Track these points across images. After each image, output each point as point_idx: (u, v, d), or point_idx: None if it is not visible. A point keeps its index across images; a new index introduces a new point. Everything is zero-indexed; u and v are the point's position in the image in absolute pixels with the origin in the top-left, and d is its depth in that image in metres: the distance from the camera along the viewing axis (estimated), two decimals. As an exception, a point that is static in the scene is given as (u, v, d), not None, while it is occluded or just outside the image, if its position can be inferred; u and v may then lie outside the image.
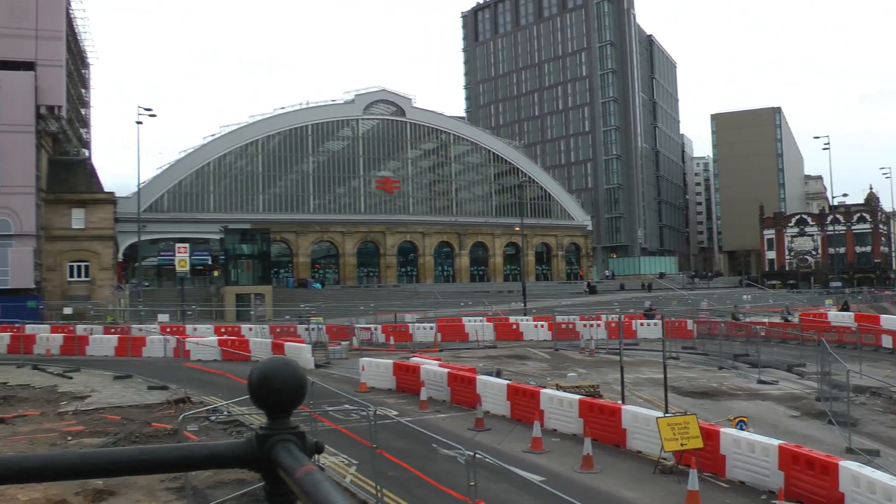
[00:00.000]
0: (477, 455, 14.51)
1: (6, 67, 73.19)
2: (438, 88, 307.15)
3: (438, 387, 30.70)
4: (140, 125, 73.48)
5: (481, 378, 29.59)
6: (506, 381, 29.19)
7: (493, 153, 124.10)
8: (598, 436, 22.36)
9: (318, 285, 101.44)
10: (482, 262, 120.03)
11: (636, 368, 38.62)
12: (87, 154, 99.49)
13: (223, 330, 57.11)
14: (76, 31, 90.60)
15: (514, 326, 58.54)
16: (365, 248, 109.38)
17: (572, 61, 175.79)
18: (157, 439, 24.57)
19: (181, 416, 18.05)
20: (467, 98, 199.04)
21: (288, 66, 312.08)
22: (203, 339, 47.63)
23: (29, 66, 73.80)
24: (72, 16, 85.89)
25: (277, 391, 2.38)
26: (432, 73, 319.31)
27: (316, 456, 2.48)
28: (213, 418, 25.05)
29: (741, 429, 21.61)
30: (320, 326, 53.15)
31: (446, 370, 31.24)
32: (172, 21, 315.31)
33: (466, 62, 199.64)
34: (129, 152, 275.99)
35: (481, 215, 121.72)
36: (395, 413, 26.69)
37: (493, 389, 28.30)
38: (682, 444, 19.20)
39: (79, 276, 79.41)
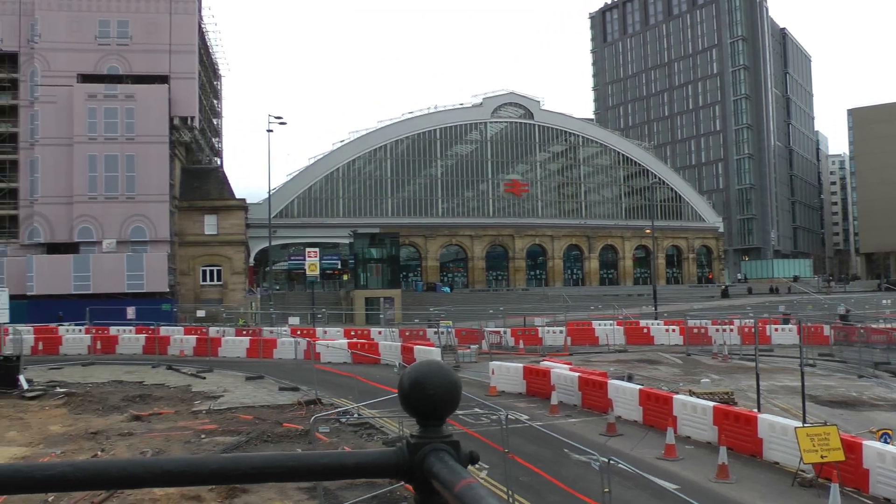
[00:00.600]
0: (611, 461, 14.40)
1: (142, 81, 76.58)
2: (566, 90, 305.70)
3: (569, 391, 30.55)
4: (271, 133, 75.46)
5: (612, 382, 29.26)
6: (637, 386, 28.83)
7: (623, 154, 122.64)
8: (732, 444, 21.85)
9: (446, 289, 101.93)
10: (611, 266, 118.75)
11: (771, 375, 37.53)
12: (218, 162, 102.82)
13: (353, 333, 57.91)
14: (208, 44, 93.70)
15: (645, 330, 57.62)
16: (493, 252, 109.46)
17: (703, 59, 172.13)
18: (289, 439, 25.17)
19: (313, 418, 18.46)
20: (595, 100, 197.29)
21: (415, 70, 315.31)
22: (333, 342, 48.37)
23: (163, 79, 76.99)
24: (204, 30, 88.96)
25: (430, 397, 2.27)
26: (559, 75, 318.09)
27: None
28: (343, 420, 25.52)
29: (886, 442, 20.68)
30: (450, 330, 53.41)
31: (577, 374, 31.04)
32: (300, 29, 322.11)
33: (594, 63, 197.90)
34: (259, 160, 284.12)
35: (610, 218, 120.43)
36: (526, 417, 26.73)
37: (624, 394, 27.99)
38: (822, 457, 18.43)
39: (211, 279, 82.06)
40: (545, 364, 34.81)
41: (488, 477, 20.27)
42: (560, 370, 32.27)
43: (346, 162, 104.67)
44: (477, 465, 21.19)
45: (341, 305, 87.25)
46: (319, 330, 60.04)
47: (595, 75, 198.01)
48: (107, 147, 74.85)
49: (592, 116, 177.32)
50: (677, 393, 27.82)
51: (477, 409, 28.95)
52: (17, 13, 77.61)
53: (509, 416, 17.33)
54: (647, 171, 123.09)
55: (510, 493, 16.36)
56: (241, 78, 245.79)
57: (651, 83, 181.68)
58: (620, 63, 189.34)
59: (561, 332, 55.28)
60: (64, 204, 74.32)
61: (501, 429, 18.46)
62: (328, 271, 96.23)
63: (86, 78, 76.40)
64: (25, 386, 35.82)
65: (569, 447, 22.32)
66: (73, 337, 55.45)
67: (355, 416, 26.64)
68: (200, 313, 72.22)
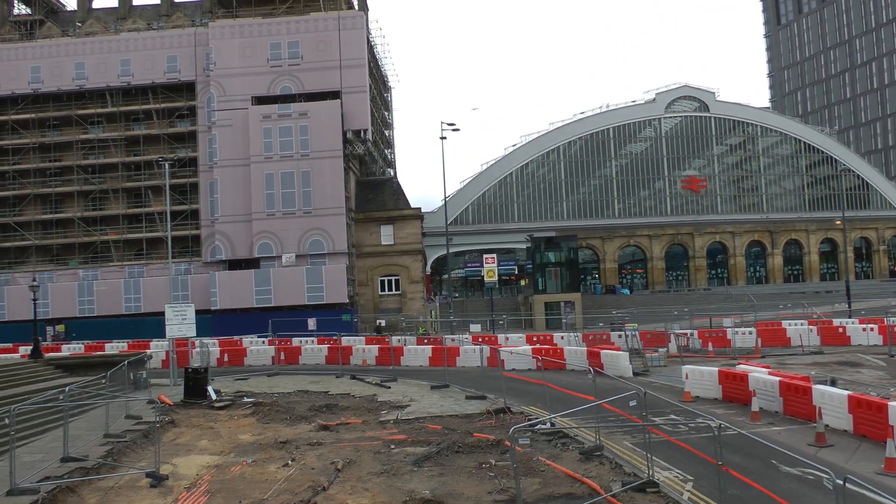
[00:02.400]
0: (847, 480, 12.74)
1: (314, 98, 78.33)
2: (738, 80, 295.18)
3: (769, 397, 28.53)
4: (444, 140, 75.46)
5: (817, 388, 26.95)
6: (846, 392, 26.45)
7: (804, 142, 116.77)
8: (965, 459, 19.62)
9: (626, 291, 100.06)
10: (796, 261, 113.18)
11: None
12: (392, 173, 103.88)
13: (535, 339, 56.99)
14: (377, 56, 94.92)
15: (840, 330, 53.93)
16: (672, 251, 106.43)
17: (887, 32, 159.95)
18: (481, 450, 24.35)
19: (512, 429, 17.53)
20: (771, 86, 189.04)
21: (585, 69, 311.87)
22: (517, 349, 47.54)
23: (335, 94, 78.48)
24: (372, 43, 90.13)
25: None
26: (731, 63, 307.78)
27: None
28: (536, 429, 24.51)
29: None
30: (635, 333, 51.76)
31: (777, 378, 28.92)
32: (467, 35, 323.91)
33: (769, 48, 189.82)
34: (431, 168, 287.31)
35: (793, 210, 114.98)
36: (725, 425, 25.06)
37: (831, 400, 25.74)
38: None
39: (390, 289, 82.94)
40: (742, 368, 32.80)
41: (694, 489, 18.90)
42: (758, 374, 30.23)
43: (519, 166, 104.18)
44: (681, 477, 19.92)
45: (520, 311, 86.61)
46: (501, 336, 59.45)
47: (769, 60, 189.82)
48: (282, 164, 76.85)
49: (768, 104, 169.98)
50: (890, 399, 25.43)
51: (673, 416, 27.54)
52: (192, 44, 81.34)
53: (707, 424, 15.84)
54: (831, 158, 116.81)
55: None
56: (410, 88, 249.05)
57: (830, 64, 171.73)
58: (796, 45, 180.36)
59: (750, 333, 52.61)
60: (243, 222, 76.80)
61: (714, 438, 16.99)
62: (505, 277, 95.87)
63: (260, 100, 78.90)
64: (214, 396, 36.55)
65: (776, 458, 20.71)
66: (257, 349, 56.72)
67: (547, 424, 25.60)
68: (381, 322, 72.90)
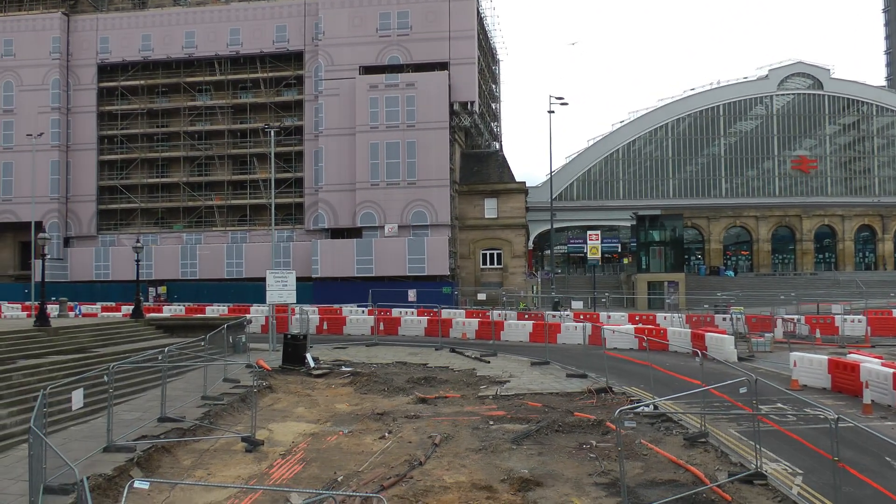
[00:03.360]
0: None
1: (422, 69, 78.06)
2: (853, 57, 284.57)
3: (882, 389, 27.17)
4: (552, 114, 74.34)
5: (937, 381, 25.67)
6: (967, 387, 25.12)
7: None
8: None
9: (730, 273, 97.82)
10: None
11: None
12: (497, 146, 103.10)
13: (637, 318, 56.01)
14: (486, 28, 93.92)
15: (960, 320, 52.02)
16: (779, 234, 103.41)
17: None
18: (581, 430, 23.79)
19: (617, 411, 16.89)
20: (888, 64, 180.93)
21: (696, 45, 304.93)
22: (619, 327, 46.71)
23: (443, 66, 78.05)
24: (482, 15, 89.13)
25: None
26: (846, 40, 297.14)
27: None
28: (638, 410, 23.75)
29: None
30: (740, 316, 50.35)
31: (891, 371, 27.47)
32: (575, 8, 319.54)
33: (888, 23, 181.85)
34: (537, 142, 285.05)
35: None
36: (842, 418, 23.92)
37: (950, 394, 24.50)
38: None
39: (491, 263, 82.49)
40: (853, 357, 31.39)
41: (804, 484, 17.98)
42: (871, 365, 28.84)
43: (626, 143, 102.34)
44: (790, 470, 18.99)
45: (622, 290, 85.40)
46: (603, 314, 58.66)
47: (888, 37, 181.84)
48: (388, 135, 76.86)
49: (884, 83, 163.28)
50: None
51: (780, 405, 26.51)
52: (301, 14, 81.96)
53: (828, 417, 14.92)
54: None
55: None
56: (518, 60, 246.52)
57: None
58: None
59: (860, 321, 50.87)
60: (347, 191, 77.22)
61: (828, 431, 16.06)
62: (607, 255, 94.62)
63: (367, 70, 78.93)
64: (312, 364, 36.67)
65: (891, 455, 19.68)
66: (357, 318, 56.98)
67: (650, 407, 24.82)
68: (481, 296, 72.67)
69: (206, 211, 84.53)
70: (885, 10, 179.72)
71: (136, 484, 11.80)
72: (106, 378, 20.53)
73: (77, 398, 20.45)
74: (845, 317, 51.39)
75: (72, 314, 55.54)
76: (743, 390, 19.72)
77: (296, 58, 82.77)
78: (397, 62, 78.41)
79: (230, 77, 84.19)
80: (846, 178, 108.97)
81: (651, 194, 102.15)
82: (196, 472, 19.88)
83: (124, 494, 11.93)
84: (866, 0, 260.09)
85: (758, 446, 18.25)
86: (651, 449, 21.15)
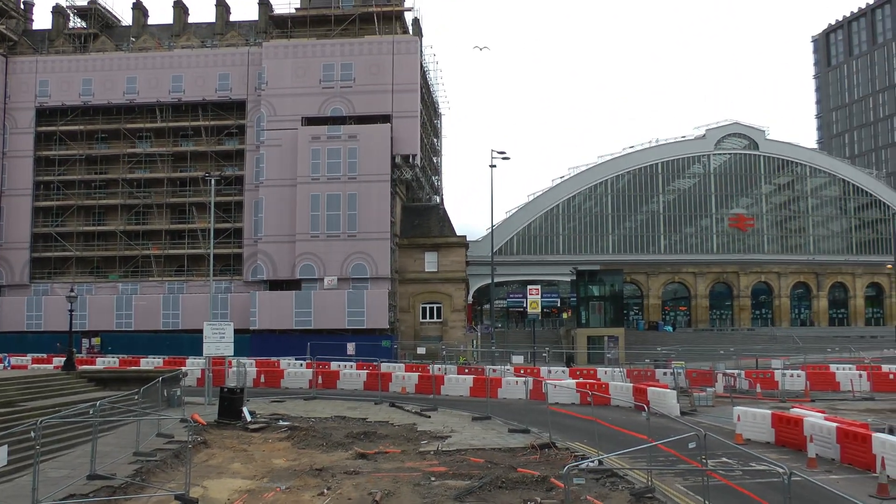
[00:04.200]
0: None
1: (364, 121, 77.96)
2: (786, 119, 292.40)
3: (826, 443, 27.25)
4: (493, 168, 74.52)
5: (878, 436, 25.55)
6: (907, 441, 25.17)
7: (852, 184, 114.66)
8: None
9: (669, 328, 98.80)
10: (841, 305, 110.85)
11: None
12: (438, 200, 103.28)
13: (578, 373, 55.95)
14: (429, 82, 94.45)
15: (892, 376, 52.85)
16: (716, 290, 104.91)
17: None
18: (525, 486, 23.36)
19: (566, 468, 16.52)
20: (819, 127, 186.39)
21: (634, 103, 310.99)
22: (561, 382, 46.61)
23: (386, 118, 77.96)
24: (425, 69, 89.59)
25: None
26: (779, 103, 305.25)
27: None
28: (584, 466, 23.37)
29: None
30: (681, 371, 50.50)
31: (835, 424, 27.64)
32: (516, 65, 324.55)
33: (818, 89, 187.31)
34: (476, 197, 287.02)
35: (839, 253, 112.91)
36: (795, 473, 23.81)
37: (893, 450, 24.50)
38: None
39: (431, 317, 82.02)
40: (796, 412, 31.50)
41: (754, 541, 17.73)
42: (814, 419, 28.96)
43: (566, 198, 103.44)
44: (739, 527, 18.75)
45: (562, 344, 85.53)
46: (543, 369, 58.47)
47: (818, 101, 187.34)
48: (329, 186, 76.41)
49: (816, 145, 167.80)
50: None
51: (725, 459, 26.38)
52: (245, 63, 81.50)
53: (780, 471, 14.69)
54: (879, 201, 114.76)
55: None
56: (460, 116, 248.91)
57: (879, 107, 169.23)
58: (845, 87, 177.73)
59: (798, 375, 51.54)
60: (286, 242, 76.41)
61: (779, 486, 15.85)
62: (547, 309, 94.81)
63: (310, 120, 78.55)
64: (249, 418, 35.85)
65: (841, 511, 19.57)
66: (295, 371, 56.06)
67: (596, 462, 24.48)
68: (421, 350, 71.98)
69: (143, 260, 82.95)
70: (816, 76, 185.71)
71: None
72: (33, 434, 19.61)
73: (1, 456, 19.53)
74: (785, 371, 51.87)
75: (0, 366, 53.86)
76: (692, 445, 19.53)
77: (238, 107, 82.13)
78: (340, 114, 78.21)
79: (171, 124, 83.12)
80: (782, 236, 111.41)
81: (591, 249, 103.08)
82: (126, 532, 19.07)
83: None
84: (799, 66, 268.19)
85: (706, 502, 17.99)
86: (597, 506, 20.80)
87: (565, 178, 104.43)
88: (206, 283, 72.89)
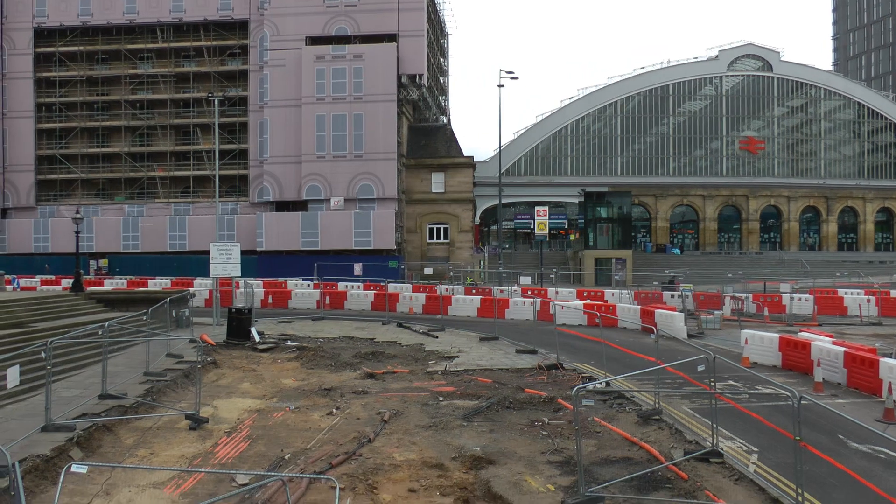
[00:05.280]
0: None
1: (369, 41, 76.97)
2: (801, 41, 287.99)
3: (832, 367, 27.25)
4: (502, 88, 73.78)
5: (886, 361, 25.44)
6: (915, 366, 25.11)
7: (867, 108, 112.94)
8: None
9: (676, 251, 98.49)
10: (850, 229, 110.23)
11: None
12: (445, 120, 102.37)
13: (586, 294, 56.07)
14: (435, 1, 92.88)
15: (900, 301, 52.72)
16: (725, 213, 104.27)
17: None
18: (532, 406, 23.51)
19: (575, 389, 16.44)
20: (835, 49, 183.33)
21: (648, 24, 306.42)
22: (569, 303, 46.65)
23: (391, 38, 77.07)
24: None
25: None
26: (795, 25, 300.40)
27: None
28: (591, 388, 23.38)
29: None
30: (688, 294, 50.49)
31: (842, 349, 27.59)
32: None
33: (835, 9, 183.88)
34: (484, 118, 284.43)
35: (851, 177, 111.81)
36: (806, 396, 23.86)
37: (900, 374, 24.48)
38: None
39: (438, 238, 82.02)
40: (804, 336, 31.49)
41: (759, 462, 17.78)
42: (822, 343, 28.91)
43: (575, 119, 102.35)
44: (745, 448, 18.79)
45: (569, 266, 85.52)
46: (550, 290, 58.56)
47: (835, 23, 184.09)
48: (335, 107, 75.75)
49: (831, 67, 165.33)
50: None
51: (732, 382, 26.45)
52: (247, -19, 79.86)
53: (789, 394, 14.61)
54: (894, 124, 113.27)
55: (800, 492, 13.74)
56: (467, 36, 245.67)
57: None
58: (863, 8, 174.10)
59: (806, 299, 51.43)
60: (292, 163, 76.05)
61: (787, 409, 15.81)
62: (554, 231, 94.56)
63: (314, 40, 77.60)
64: (257, 338, 35.96)
65: (843, 433, 19.75)
66: (303, 292, 56.21)
67: (602, 384, 24.52)
68: (428, 271, 72.17)
69: (148, 182, 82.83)
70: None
71: (74, 468, 11.10)
72: (44, 354, 19.63)
73: (13, 375, 19.59)
74: (793, 295, 51.95)
75: (10, 287, 53.94)
76: (701, 368, 19.47)
77: (241, 27, 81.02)
78: (345, 33, 77.18)
79: (173, 45, 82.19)
80: (793, 159, 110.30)
81: (599, 171, 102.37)
82: (138, 452, 19.17)
83: (61, 479, 11.24)
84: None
85: (715, 425, 18.02)
86: (605, 426, 20.92)
87: (574, 98, 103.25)
88: (212, 204, 72.81)
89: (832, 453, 18.20)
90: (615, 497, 15.46)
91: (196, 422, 21.19)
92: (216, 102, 56.61)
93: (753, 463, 17.70)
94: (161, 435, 20.44)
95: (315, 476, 16.35)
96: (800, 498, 13.73)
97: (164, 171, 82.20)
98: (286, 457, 18.86)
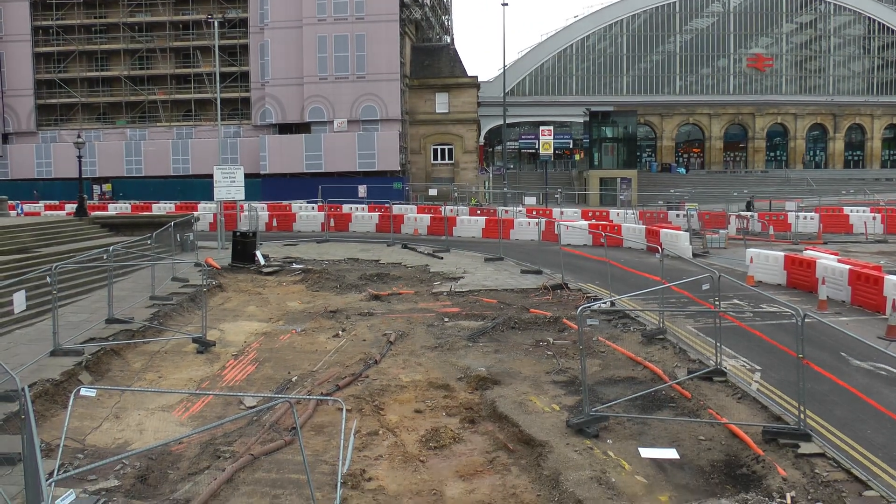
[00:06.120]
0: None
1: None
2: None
3: (837, 285, 27.22)
4: (506, 6, 72.66)
5: (890, 278, 25.38)
6: (921, 284, 25.08)
7: (878, 23, 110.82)
8: None
9: (682, 170, 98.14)
10: (857, 147, 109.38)
11: None
12: (448, 40, 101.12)
13: (591, 214, 55.98)
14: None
15: (906, 219, 52.52)
16: (731, 132, 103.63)
17: None
18: (537, 327, 23.61)
19: (579, 309, 16.46)
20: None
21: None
22: (574, 223, 46.59)
23: (392, -47, 75.35)
24: None
25: None
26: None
27: None
28: (596, 307, 23.43)
29: None
30: (693, 213, 50.39)
31: (847, 267, 27.51)
32: None
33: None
34: (488, 37, 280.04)
35: (859, 94, 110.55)
36: (811, 314, 23.87)
37: (904, 292, 24.48)
38: None
39: (442, 158, 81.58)
40: (809, 254, 31.39)
41: (762, 380, 17.87)
42: (827, 261, 28.82)
43: (580, 38, 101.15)
44: (748, 366, 18.89)
45: (574, 186, 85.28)
46: (555, 210, 58.45)
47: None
48: (336, 27, 74.62)
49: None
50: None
51: (737, 301, 26.50)
52: None
53: (793, 313, 14.62)
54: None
55: (802, 409, 13.83)
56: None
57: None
58: None
59: (811, 218, 51.20)
60: (295, 85, 75.23)
61: (789, 328, 15.84)
62: (559, 151, 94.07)
63: (314, -42, 75.97)
64: (262, 261, 35.99)
65: (846, 350, 19.77)
66: (307, 214, 56.21)
67: (607, 304, 24.57)
68: (432, 192, 72.03)
69: (149, 106, 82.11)
70: None
71: (83, 392, 11.19)
72: (49, 279, 19.68)
73: (19, 300, 19.64)
74: (798, 214, 51.72)
75: (13, 213, 53.96)
76: (706, 286, 19.49)
77: (240, -56, 79.56)
78: (346, -50, 75.75)
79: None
80: (801, 76, 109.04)
81: (604, 91, 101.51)
82: (147, 375, 19.35)
83: (70, 402, 11.35)
84: None
85: (719, 344, 18.09)
86: (609, 346, 21.01)
87: (580, 17, 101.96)
88: (214, 127, 72.20)
89: (834, 371, 18.24)
90: (619, 416, 15.60)
91: (203, 345, 21.34)
92: (216, 24, 55.73)
93: (756, 381, 17.78)
94: (169, 359, 20.61)
95: (322, 398, 16.50)
96: (801, 415, 13.80)
97: (165, 94, 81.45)
98: (293, 379, 19.02)
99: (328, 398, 16.33)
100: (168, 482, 13.19)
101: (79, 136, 47.15)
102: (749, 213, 52.32)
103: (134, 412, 16.52)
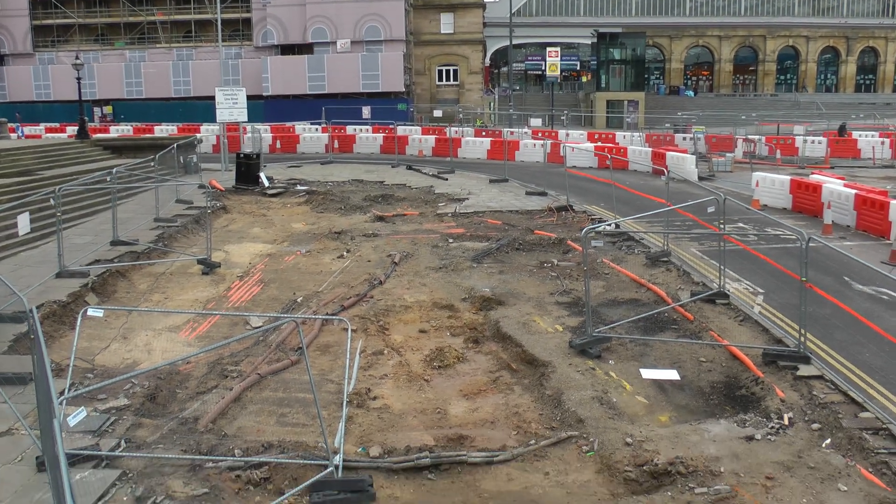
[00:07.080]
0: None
1: None
2: None
3: (842, 210, 27.11)
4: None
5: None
6: (925, 210, 24.96)
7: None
8: None
9: (690, 93, 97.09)
10: (870, 70, 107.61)
11: None
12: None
13: (597, 136, 55.69)
14: None
15: (915, 144, 52.10)
16: (741, 54, 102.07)
17: None
18: (542, 248, 23.73)
19: (584, 230, 16.47)
20: None
21: None
22: (579, 145, 46.38)
23: None
24: None
25: None
26: None
27: None
28: (600, 229, 23.41)
29: None
30: (700, 136, 50.09)
31: (853, 191, 27.38)
32: None
33: None
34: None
35: (874, 16, 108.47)
36: (815, 238, 23.87)
37: (909, 217, 24.41)
38: None
39: (447, 80, 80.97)
40: (815, 178, 31.26)
41: (765, 303, 17.95)
42: (833, 185, 28.69)
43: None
44: (751, 289, 18.97)
45: (580, 108, 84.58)
46: (561, 132, 58.11)
47: None
48: (339, -55, 73.32)
49: None
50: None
51: (741, 224, 26.48)
52: None
53: (797, 237, 14.60)
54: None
55: (803, 332, 13.91)
56: None
57: None
58: None
59: (819, 142, 50.78)
60: (297, 5, 74.10)
61: (795, 251, 15.85)
62: (566, 73, 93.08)
63: None
64: (266, 183, 35.93)
65: (849, 274, 19.86)
66: (311, 136, 55.96)
67: (611, 226, 24.56)
68: (437, 113, 71.56)
69: (148, 27, 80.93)
70: None
71: (90, 312, 11.29)
72: (53, 201, 19.68)
73: (23, 222, 19.69)
74: (806, 138, 51.36)
75: (14, 135, 53.61)
76: (711, 209, 19.43)
77: None
78: None
79: None
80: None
81: (613, 12, 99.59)
82: (153, 297, 19.47)
83: (79, 322, 11.45)
84: None
85: (722, 266, 18.12)
86: (613, 268, 21.07)
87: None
88: (215, 48, 71.27)
89: (837, 294, 18.29)
90: (621, 337, 15.71)
91: (208, 266, 21.43)
92: (215, -59, 54.92)
93: (759, 304, 17.88)
94: (174, 280, 20.72)
95: (327, 318, 16.66)
96: (802, 338, 13.89)
97: (164, 15, 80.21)
98: (298, 299, 19.14)
99: (334, 318, 16.50)
100: (177, 401, 13.37)
101: (77, 58, 46.74)
102: (755, 137, 51.87)
103: (141, 333, 16.66)
